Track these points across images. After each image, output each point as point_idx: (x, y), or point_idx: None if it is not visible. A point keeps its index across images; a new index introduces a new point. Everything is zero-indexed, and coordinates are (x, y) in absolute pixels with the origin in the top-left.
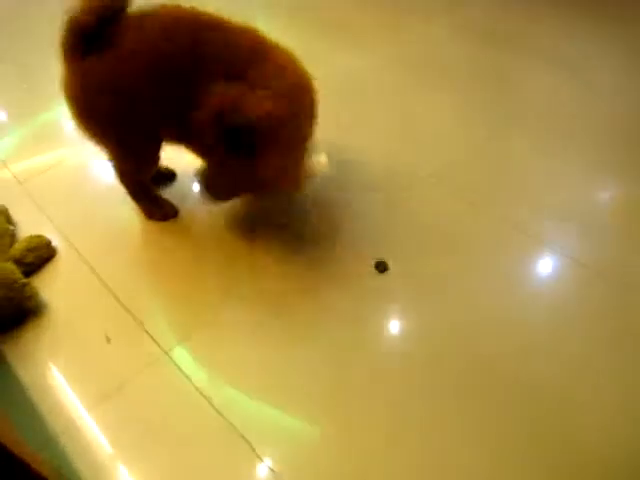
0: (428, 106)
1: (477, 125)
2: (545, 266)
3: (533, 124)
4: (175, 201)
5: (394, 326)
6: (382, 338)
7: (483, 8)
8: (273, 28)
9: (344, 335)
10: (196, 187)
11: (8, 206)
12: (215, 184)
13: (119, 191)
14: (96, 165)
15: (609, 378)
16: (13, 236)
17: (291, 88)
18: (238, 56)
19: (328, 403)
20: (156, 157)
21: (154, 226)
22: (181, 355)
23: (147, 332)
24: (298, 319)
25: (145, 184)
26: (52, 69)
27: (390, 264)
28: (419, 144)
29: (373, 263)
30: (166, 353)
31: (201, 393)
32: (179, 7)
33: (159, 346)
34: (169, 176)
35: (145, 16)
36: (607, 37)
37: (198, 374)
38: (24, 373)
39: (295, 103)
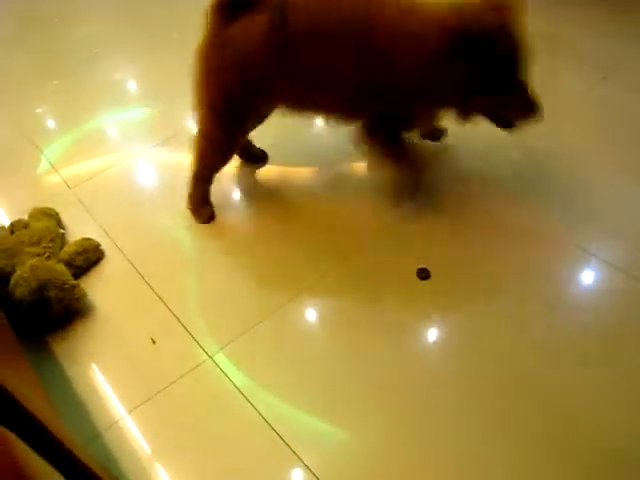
0: None
1: None
2: (599, 284)
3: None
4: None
5: (435, 336)
6: (421, 349)
7: None
8: None
9: (386, 345)
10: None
11: (58, 210)
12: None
13: (163, 196)
14: (140, 171)
15: None
16: (63, 239)
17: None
18: None
19: (368, 411)
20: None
21: (198, 230)
22: (225, 359)
23: (192, 335)
24: (341, 326)
25: (212, 178)
26: (96, 80)
27: (432, 271)
28: None
29: (416, 270)
30: (210, 357)
31: (244, 397)
32: None
33: (203, 350)
34: (261, 157)
35: None
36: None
37: (241, 379)
38: (72, 371)
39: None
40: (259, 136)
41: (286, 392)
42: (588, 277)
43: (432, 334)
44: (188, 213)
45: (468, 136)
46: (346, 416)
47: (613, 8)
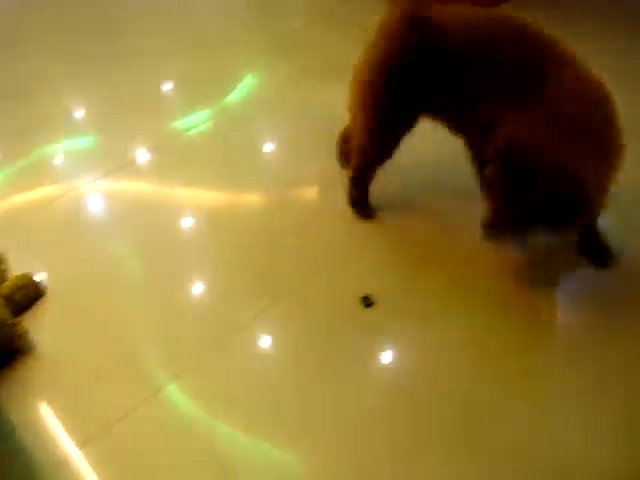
0: None
1: None
2: None
3: None
4: None
5: (381, 360)
6: (368, 373)
7: None
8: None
9: (338, 371)
10: None
11: None
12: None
13: (108, 228)
14: (85, 204)
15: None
16: (3, 275)
17: (587, 117)
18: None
19: (318, 438)
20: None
21: (143, 261)
22: (175, 391)
23: (140, 368)
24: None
25: (373, 175)
26: (41, 108)
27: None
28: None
29: (359, 298)
30: (158, 390)
31: (195, 428)
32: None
33: (151, 383)
34: None
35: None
36: None
37: (192, 410)
38: (13, 411)
39: (593, 135)
40: None
41: (238, 422)
42: None
43: (378, 359)
44: (138, 242)
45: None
46: (297, 443)
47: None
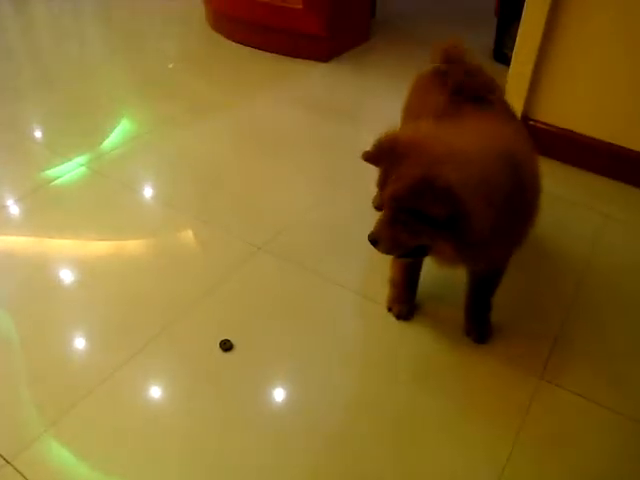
0: (265, 176)
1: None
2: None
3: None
4: None
5: (241, 405)
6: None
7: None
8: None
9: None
10: None
11: None
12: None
13: None
14: None
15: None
16: None
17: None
18: None
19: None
20: None
21: (14, 317)
22: (29, 460)
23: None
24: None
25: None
26: None
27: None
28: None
29: (218, 342)
30: (8, 462)
31: None
32: None
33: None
34: None
35: None
36: None
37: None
38: None
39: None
40: None
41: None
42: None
43: (238, 404)
44: (7, 298)
45: None
46: None
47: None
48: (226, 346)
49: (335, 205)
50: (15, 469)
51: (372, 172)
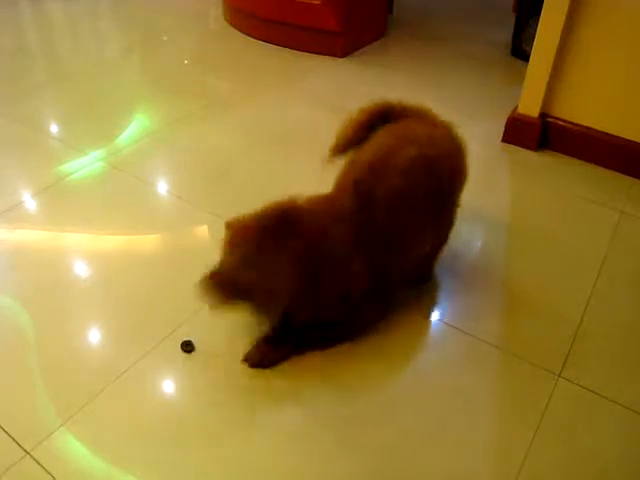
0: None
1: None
2: None
3: None
4: None
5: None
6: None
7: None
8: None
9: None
10: None
11: None
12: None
13: None
14: None
15: None
16: None
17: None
18: None
19: None
20: None
21: (31, 311)
22: (47, 452)
23: (5, 431)
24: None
25: None
26: None
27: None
28: None
29: (180, 343)
30: (27, 452)
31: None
32: None
33: (19, 445)
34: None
35: None
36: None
37: (64, 473)
38: None
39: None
40: None
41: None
42: None
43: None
44: (24, 292)
45: None
46: None
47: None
48: (188, 348)
49: None
50: (34, 459)
51: None
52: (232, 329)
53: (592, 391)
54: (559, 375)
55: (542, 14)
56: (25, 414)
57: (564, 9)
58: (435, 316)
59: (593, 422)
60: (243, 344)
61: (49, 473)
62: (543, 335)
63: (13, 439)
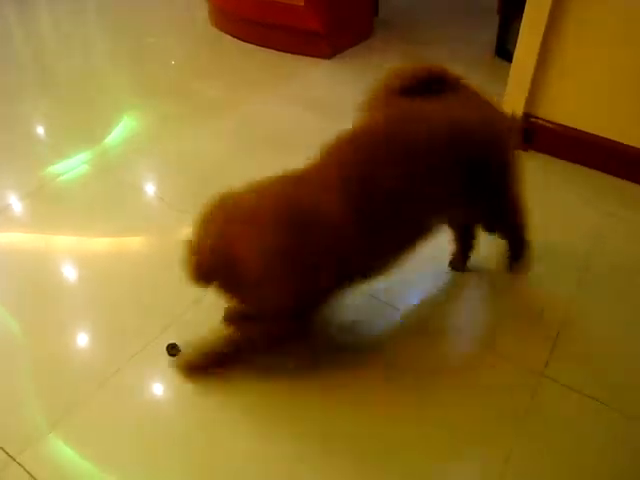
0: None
1: None
2: None
3: None
4: None
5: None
6: None
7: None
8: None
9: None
10: None
11: None
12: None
13: None
14: None
15: None
16: None
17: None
18: None
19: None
20: None
21: (18, 315)
22: (33, 457)
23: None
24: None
25: None
26: None
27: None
28: None
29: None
30: (13, 459)
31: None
32: None
33: (4, 451)
34: None
35: None
36: None
37: (51, 478)
38: None
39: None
40: None
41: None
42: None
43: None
44: (11, 295)
45: None
46: None
47: None
48: (173, 351)
49: None
50: (20, 465)
51: None
52: (218, 332)
53: (575, 390)
54: (542, 375)
55: (524, 14)
56: (10, 419)
57: (546, 9)
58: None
59: (576, 421)
60: None
61: (35, 478)
62: (526, 335)
63: None
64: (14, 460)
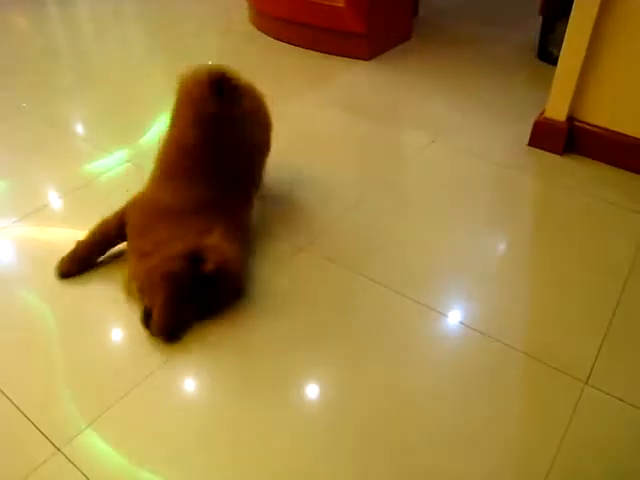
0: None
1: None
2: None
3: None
4: None
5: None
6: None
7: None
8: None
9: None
10: None
11: None
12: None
13: (17, 275)
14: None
15: None
16: None
17: None
18: None
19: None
20: None
21: (56, 308)
22: (79, 449)
23: (37, 428)
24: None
25: None
26: None
27: None
28: None
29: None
30: (59, 450)
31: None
32: None
33: (51, 442)
34: None
35: None
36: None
37: (96, 470)
38: None
39: None
40: None
41: (163, 466)
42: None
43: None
44: (51, 289)
45: None
46: None
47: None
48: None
49: (376, 204)
50: (65, 456)
51: (414, 171)
52: (246, 328)
53: (620, 399)
54: (586, 383)
55: (571, 16)
56: (55, 412)
57: (594, 11)
58: (456, 319)
59: (621, 431)
60: (257, 339)
61: (80, 470)
62: (569, 341)
63: (45, 436)
64: (59, 450)
